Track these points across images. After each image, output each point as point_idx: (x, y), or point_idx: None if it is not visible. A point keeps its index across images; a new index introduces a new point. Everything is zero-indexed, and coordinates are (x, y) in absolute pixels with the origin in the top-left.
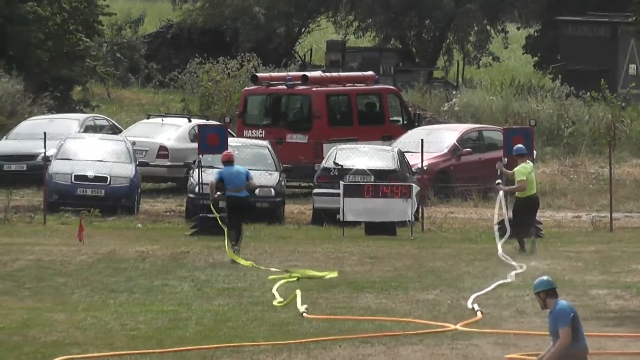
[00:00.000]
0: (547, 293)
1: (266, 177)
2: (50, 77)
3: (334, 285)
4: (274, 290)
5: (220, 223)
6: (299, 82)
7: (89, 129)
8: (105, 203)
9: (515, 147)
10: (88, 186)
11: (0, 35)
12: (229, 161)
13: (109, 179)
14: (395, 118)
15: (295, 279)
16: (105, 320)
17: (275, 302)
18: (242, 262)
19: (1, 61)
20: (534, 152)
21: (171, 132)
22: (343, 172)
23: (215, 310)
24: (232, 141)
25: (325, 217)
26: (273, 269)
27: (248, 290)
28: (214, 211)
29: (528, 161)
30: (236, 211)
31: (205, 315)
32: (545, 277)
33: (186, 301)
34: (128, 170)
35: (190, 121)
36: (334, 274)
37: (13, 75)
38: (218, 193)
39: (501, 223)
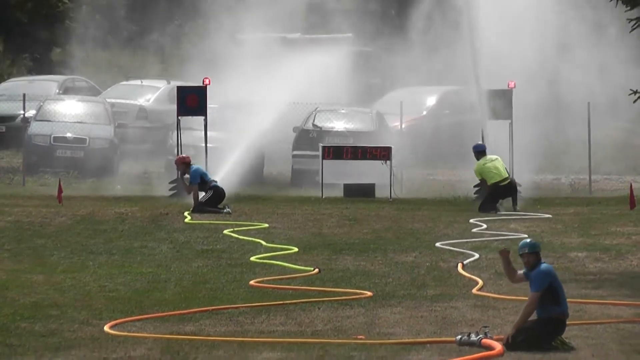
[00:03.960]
0: (530, 255)
1: None
2: (30, 39)
3: (313, 247)
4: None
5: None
6: None
7: (68, 90)
8: (84, 164)
9: (474, 145)
10: (67, 147)
11: None
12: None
13: (88, 140)
14: None
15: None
16: (84, 282)
17: (252, 258)
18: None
19: None
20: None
21: (150, 94)
22: (322, 134)
23: (194, 272)
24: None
25: (304, 179)
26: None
27: (227, 252)
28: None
29: (487, 157)
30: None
31: (184, 277)
32: (529, 240)
33: (165, 263)
34: (107, 131)
35: (169, 83)
36: (315, 271)
37: None
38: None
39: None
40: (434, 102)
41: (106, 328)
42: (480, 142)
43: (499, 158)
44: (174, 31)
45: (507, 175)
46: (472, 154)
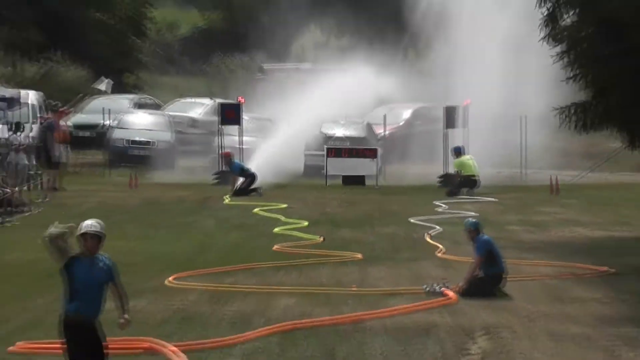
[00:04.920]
0: (472, 231)
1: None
2: (109, 67)
3: (319, 222)
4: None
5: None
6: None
7: (138, 105)
8: (151, 161)
9: (454, 147)
10: (139, 148)
11: (74, 36)
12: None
13: (153, 142)
14: None
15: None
16: (151, 247)
17: (275, 230)
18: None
19: (73, 54)
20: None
21: (199, 108)
22: (327, 138)
23: (232, 240)
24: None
25: (313, 172)
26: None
27: (255, 226)
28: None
29: (465, 156)
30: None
31: (224, 244)
32: (472, 220)
33: (210, 233)
34: (168, 136)
35: (213, 100)
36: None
37: (80, 65)
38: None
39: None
40: (409, 115)
41: (167, 281)
42: (458, 145)
43: (474, 158)
44: (217, 61)
45: (477, 172)
46: (437, 153)
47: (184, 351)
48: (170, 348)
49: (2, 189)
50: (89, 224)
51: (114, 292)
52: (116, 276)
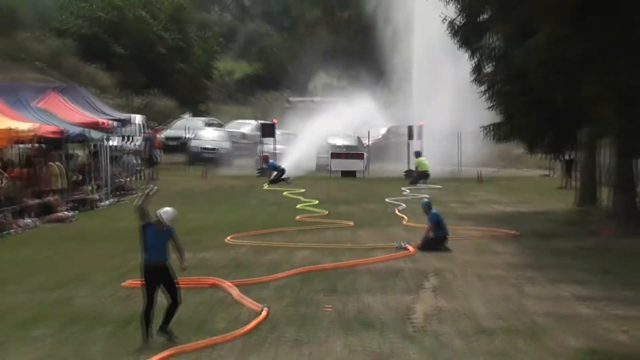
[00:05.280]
0: (426, 207)
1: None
2: (189, 99)
3: (325, 201)
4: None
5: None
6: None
7: (208, 124)
8: (216, 161)
9: (415, 151)
10: (208, 152)
11: (165, 78)
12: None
13: (218, 149)
14: None
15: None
16: (214, 217)
17: (298, 206)
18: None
19: (164, 91)
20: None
21: (248, 127)
22: (331, 146)
23: (269, 213)
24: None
25: (322, 168)
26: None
27: (285, 204)
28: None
29: (422, 157)
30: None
31: (263, 216)
32: (426, 199)
33: (254, 208)
34: (227, 145)
35: (257, 121)
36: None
37: (169, 98)
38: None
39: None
40: (385, 132)
41: (226, 240)
42: (418, 150)
43: (427, 159)
44: (259, 96)
45: (429, 169)
46: (403, 156)
47: (236, 285)
48: (227, 283)
49: (118, 179)
50: (166, 214)
51: (174, 246)
52: (174, 236)
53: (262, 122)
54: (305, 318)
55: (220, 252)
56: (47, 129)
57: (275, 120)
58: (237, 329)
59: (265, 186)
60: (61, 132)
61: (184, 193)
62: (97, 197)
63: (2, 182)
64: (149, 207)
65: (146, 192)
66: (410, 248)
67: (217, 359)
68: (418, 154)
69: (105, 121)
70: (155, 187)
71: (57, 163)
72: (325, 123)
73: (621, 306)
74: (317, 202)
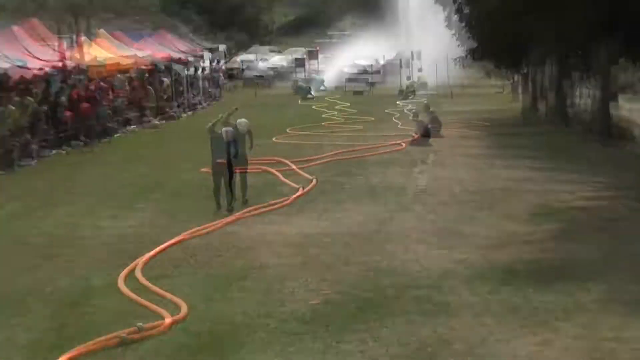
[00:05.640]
0: (426, 108)
1: None
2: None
3: (348, 109)
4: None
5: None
6: None
7: (271, 50)
8: (264, 84)
9: (418, 68)
10: (257, 78)
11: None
12: None
13: (264, 75)
14: None
15: None
16: (266, 119)
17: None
18: None
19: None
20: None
21: (288, 57)
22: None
23: (304, 115)
24: None
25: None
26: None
27: (315, 112)
28: None
29: (423, 73)
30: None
31: (300, 117)
32: (426, 102)
33: (292, 114)
34: (271, 72)
35: (292, 56)
36: None
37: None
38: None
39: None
40: (385, 62)
41: (274, 139)
42: (420, 67)
43: (416, 81)
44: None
45: (417, 87)
46: (397, 79)
47: (292, 162)
48: (286, 161)
49: (195, 98)
50: (240, 125)
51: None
52: (250, 137)
53: (310, 49)
54: (336, 190)
55: (273, 145)
56: (150, 59)
57: (317, 48)
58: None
59: (299, 101)
60: (153, 65)
61: (244, 104)
62: (176, 113)
63: (112, 99)
64: (230, 119)
65: (230, 111)
66: (403, 144)
67: (274, 216)
68: (420, 70)
69: (183, 57)
70: (236, 108)
71: (150, 87)
72: (350, 52)
73: (559, 178)
74: (337, 113)
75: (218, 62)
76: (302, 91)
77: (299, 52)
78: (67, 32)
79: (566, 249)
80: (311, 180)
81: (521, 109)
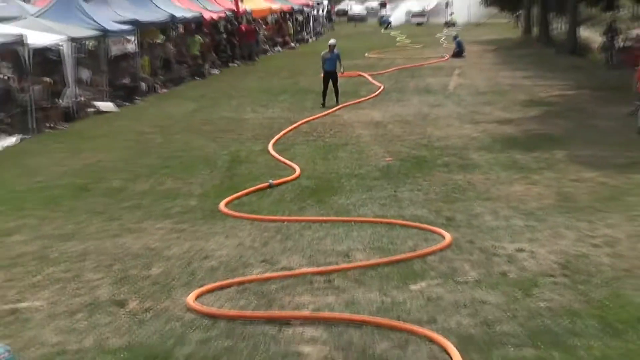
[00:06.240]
0: (454, 37)
1: None
2: None
3: (410, 36)
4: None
5: None
6: None
7: None
8: (360, 20)
9: (451, 12)
10: (356, 16)
11: None
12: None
13: (360, 14)
14: None
15: None
16: (356, 44)
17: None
18: None
19: None
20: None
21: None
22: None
23: (384, 41)
24: None
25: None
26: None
27: (392, 38)
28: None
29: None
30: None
31: (381, 43)
32: (455, 34)
33: (375, 40)
34: (365, 12)
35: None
36: None
37: None
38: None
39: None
40: (433, 6)
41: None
42: (452, 11)
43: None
44: None
45: (455, 20)
46: (444, 16)
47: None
48: (366, 75)
49: (317, 29)
50: (332, 43)
51: (337, 63)
52: (339, 58)
53: (378, 3)
54: (402, 89)
55: (363, 58)
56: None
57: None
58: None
59: (382, 30)
60: (292, 8)
61: (345, 34)
62: (306, 38)
63: (262, 33)
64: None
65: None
66: (446, 57)
67: (363, 106)
68: (452, 13)
69: (311, 2)
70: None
71: (289, 24)
72: (407, 2)
73: (545, 80)
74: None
75: (328, 7)
76: (384, 23)
77: (375, 2)
78: None
79: (545, 126)
80: (381, 87)
81: (519, 36)
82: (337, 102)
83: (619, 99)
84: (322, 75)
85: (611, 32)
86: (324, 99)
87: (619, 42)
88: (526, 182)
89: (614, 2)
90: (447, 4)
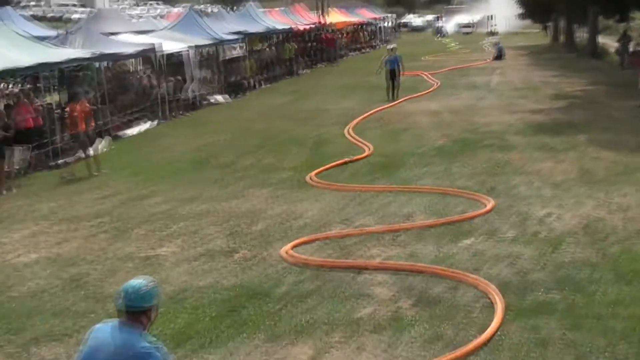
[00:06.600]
0: (495, 43)
1: None
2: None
3: (459, 43)
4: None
5: None
6: None
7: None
8: (440, 32)
9: (492, 27)
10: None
11: None
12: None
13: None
14: None
15: None
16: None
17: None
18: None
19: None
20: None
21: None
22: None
23: (443, 47)
24: None
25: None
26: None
27: (443, 44)
28: None
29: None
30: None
31: (441, 47)
32: (496, 40)
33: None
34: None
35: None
36: None
37: None
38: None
39: None
40: (479, 18)
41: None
42: (495, 25)
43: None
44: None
45: (496, 30)
46: (487, 26)
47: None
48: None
49: (384, 37)
50: (391, 47)
51: (397, 64)
52: (400, 61)
53: (433, 17)
54: (453, 85)
55: (420, 61)
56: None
57: (441, 14)
58: None
59: (436, 39)
60: (364, 21)
61: (406, 41)
62: (376, 45)
63: (341, 41)
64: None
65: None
66: (489, 59)
67: (420, 99)
68: (494, 25)
69: (378, 17)
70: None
71: (363, 33)
72: (457, 15)
73: (569, 78)
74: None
75: (394, 20)
76: (439, 33)
77: (431, 16)
78: (316, 9)
79: (569, 115)
80: (437, 83)
81: (548, 43)
82: (395, 97)
83: (630, 94)
84: (387, 72)
85: (625, 39)
86: (387, 94)
87: (631, 47)
88: (554, 160)
89: (628, 15)
90: (490, 17)
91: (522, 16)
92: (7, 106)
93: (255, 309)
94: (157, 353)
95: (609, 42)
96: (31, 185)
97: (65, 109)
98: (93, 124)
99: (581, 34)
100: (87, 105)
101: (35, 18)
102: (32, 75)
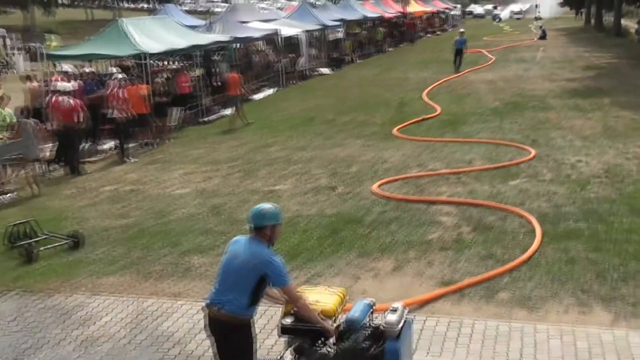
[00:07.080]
0: (539, 27)
1: None
2: None
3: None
4: None
5: None
6: None
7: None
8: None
9: (538, 13)
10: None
11: None
12: None
13: (484, 14)
14: None
15: None
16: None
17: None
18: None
19: None
20: None
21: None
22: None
23: (493, 31)
24: None
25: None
26: None
27: (495, 27)
28: None
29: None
30: None
31: (490, 32)
32: (541, 25)
33: (490, 28)
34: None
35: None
36: None
37: None
38: None
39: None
40: (528, 7)
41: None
42: (540, 11)
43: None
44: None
45: (541, 16)
46: (534, 13)
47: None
48: (484, 51)
49: (452, 23)
50: (462, 30)
51: (464, 44)
52: (465, 42)
53: (491, 5)
54: (506, 60)
55: (482, 40)
56: (436, 8)
57: (497, 4)
58: None
59: (493, 23)
60: (437, 10)
61: (470, 25)
62: (446, 29)
63: (419, 25)
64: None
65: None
66: (535, 39)
67: (480, 70)
68: (539, 12)
69: (449, 7)
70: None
71: (436, 19)
72: (510, 4)
73: (598, 53)
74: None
75: (461, 9)
76: (496, 18)
77: (490, 5)
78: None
79: (597, 82)
80: (493, 58)
81: (581, 25)
82: (459, 69)
83: None
84: (455, 51)
85: None
86: (455, 66)
87: None
88: (584, 118)
89: None
90: (536, 5)
91: (562, 4)
92: (166, 79)
93: (350, 232)
94: (277, 259)
95: (630, 24)
96: (185, 137)
97: (223, 77)
98: (242, 89)
99: (608, 18)
100: (237, 75)
101: (188, 12)
102: (187, 54)
